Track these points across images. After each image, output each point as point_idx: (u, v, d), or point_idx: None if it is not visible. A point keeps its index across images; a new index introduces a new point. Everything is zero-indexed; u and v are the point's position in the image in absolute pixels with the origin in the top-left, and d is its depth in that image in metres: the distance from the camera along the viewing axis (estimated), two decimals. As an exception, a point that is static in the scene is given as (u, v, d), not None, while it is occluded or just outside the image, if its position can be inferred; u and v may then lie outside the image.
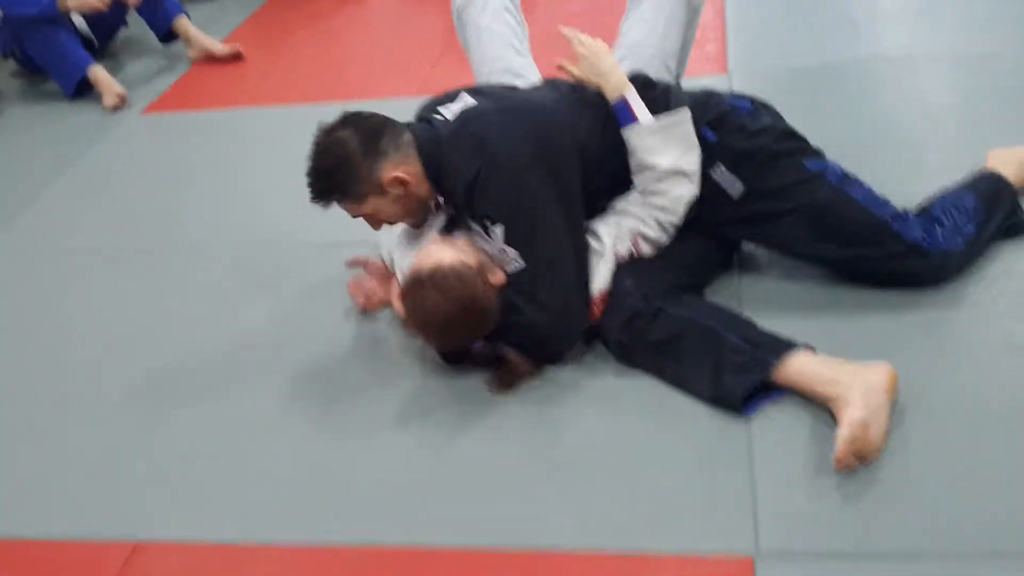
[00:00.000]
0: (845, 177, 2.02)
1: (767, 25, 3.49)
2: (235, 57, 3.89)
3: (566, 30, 2.13)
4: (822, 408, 1.76)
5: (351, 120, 2.01)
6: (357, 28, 4.16)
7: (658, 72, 2.17)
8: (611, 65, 2.03)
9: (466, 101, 2.04)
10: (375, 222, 2.06)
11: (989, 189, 2.12)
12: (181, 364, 2.21)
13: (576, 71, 2.07)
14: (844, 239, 2.00)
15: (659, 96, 2.03)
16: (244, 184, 2.98)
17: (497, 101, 2.04)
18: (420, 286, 1.87)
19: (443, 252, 1.91)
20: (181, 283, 2.53)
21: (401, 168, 1.96)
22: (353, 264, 2.29)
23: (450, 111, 2.02)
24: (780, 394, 1.80)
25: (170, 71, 3.88)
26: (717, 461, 1.72)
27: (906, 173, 2.42)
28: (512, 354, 1.95)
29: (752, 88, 2.31)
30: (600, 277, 1.96)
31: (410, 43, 3.87)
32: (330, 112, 3.29)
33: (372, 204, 1.99)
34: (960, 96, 2.79)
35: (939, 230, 2.00)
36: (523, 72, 2.37)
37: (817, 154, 2.05)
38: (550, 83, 2.19)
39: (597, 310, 1.95)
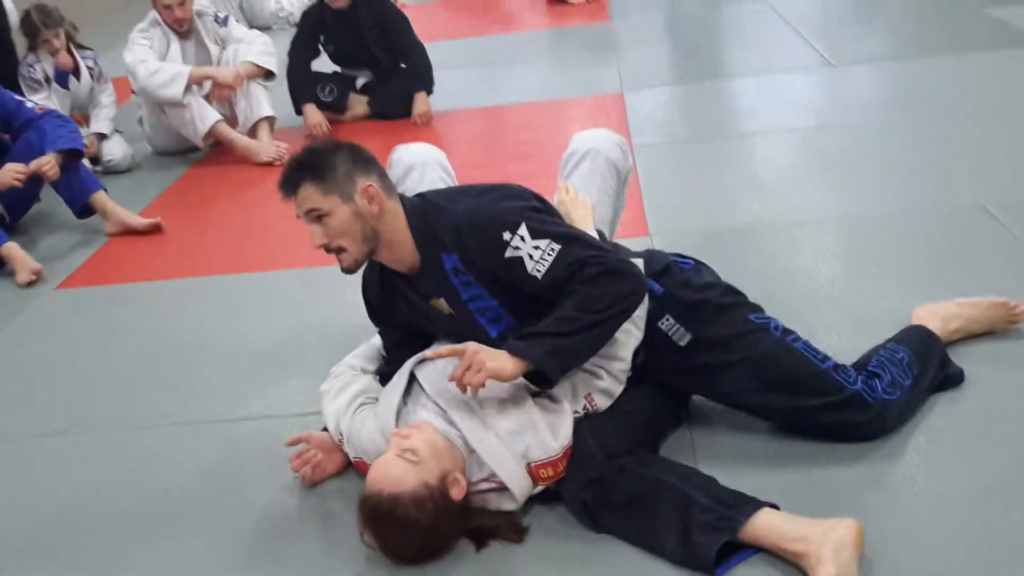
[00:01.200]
0: (785, 331, 2.10)
1: (679, 190, 3.68)
2: (154, 230, 3.85)
3: (562, 183, 2.33)
4: (791, 565, 1.76)
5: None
6: (278, 198, 4.15)
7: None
8: (582, 216, 2.18)
9: None
10: (320, 230, 1.99)
11: (920, 343, 2.22)
12: (115, 555, 2.07)
13: None
14: (788, 390, 2.05)
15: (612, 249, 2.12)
16: (168, 360, 2.89)
17: None
18: (379, 521, 1.84)
19: (401, 475, 1.84)
20: (105, 467, 2.39)
21: (380, 191, 2.00)
22: (294, 442, 2.21)
23: None
24: (749, 553, 1.79)
25: (86, 245, 3.81)
26: (696, 626, 1.69)
27: (830, 328, 2.53)
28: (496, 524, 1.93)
29: (674, 249, 2.41)
30: (562, 434, 1.94)
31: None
32: (253, 282, 3.33)
33: (333, 203, 1.97)
34: (872, 254, 2.95)
35: (878, 383, 2.08)
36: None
37: (758, 308, 2.14)
38: None
39: (561, 466, 1.94)
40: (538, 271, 1.94)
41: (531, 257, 1.93)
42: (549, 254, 1.93)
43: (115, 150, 4.61)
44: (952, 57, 4.82)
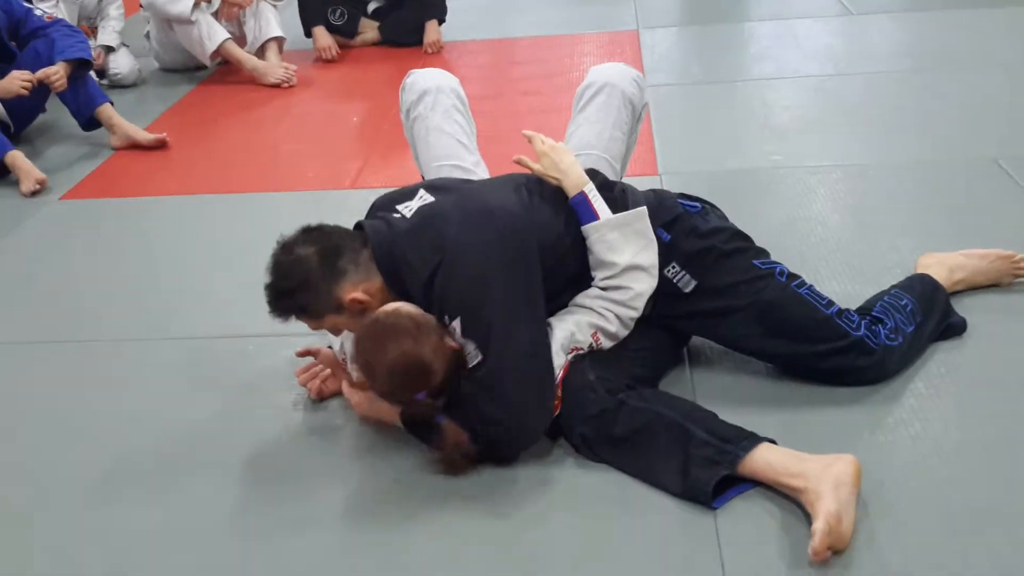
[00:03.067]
0: (791, 276, 2.10)
1: (692, 131, 3.65)
2: (159, 145, 3.82)
3: (527, 132, 2.19)
4: (788, 499, 1.78)
5: (311, 237, 2.00)
6: (285, 119, 4.16)
7: (605, 173, 2.24)
8: (571, 163, 2.08)
9: (424, 198, 2.04)
10: (335, 332, 2.08)
11: (924, 291, 2.22)
12: (116, 465, 2.08)
13: (537, 167, 2.11)
14: (792, 335, 2.06)
15: (617, 195, 2.09)
16: (170, 275, 2.90)
17: (456, 197, 2.04)
18: (375, 323, 1.88)
19: (405, 304, 1.93)
20: (109, 377, 2.40)
21: (361, 287, 1.96)
22: (303, 354, 2.24)
23: (408, 208, 2.02)
24: (747, 487, 1.82)
25: (91, 158, 3.78)
26: (688, 556, 1.71)
27: (836, 274, 2.53)
28: (450, 430, 1.88)
29: (683, 189, 2.39)
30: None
31: (339, 136, 3.90)
32: (258, 202, 3.32)
33: (331, 321, 2.01)
34: (882, 203, 2.95)
35: (881, 329, 2.08)
36: (473, 168, 2.42)
37: (764, 253, 2.13)
38: (506, 179, 2.20)
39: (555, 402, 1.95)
40: (468, 362, 1.91)
41: (464, 347, 1.90)
42: (474, 357, 1.89)
43: (122, 63, 4.55)
44: (972, 10, 4.76)
